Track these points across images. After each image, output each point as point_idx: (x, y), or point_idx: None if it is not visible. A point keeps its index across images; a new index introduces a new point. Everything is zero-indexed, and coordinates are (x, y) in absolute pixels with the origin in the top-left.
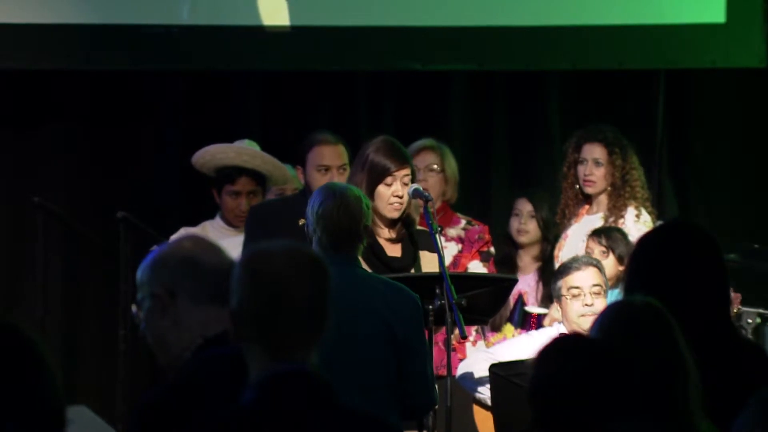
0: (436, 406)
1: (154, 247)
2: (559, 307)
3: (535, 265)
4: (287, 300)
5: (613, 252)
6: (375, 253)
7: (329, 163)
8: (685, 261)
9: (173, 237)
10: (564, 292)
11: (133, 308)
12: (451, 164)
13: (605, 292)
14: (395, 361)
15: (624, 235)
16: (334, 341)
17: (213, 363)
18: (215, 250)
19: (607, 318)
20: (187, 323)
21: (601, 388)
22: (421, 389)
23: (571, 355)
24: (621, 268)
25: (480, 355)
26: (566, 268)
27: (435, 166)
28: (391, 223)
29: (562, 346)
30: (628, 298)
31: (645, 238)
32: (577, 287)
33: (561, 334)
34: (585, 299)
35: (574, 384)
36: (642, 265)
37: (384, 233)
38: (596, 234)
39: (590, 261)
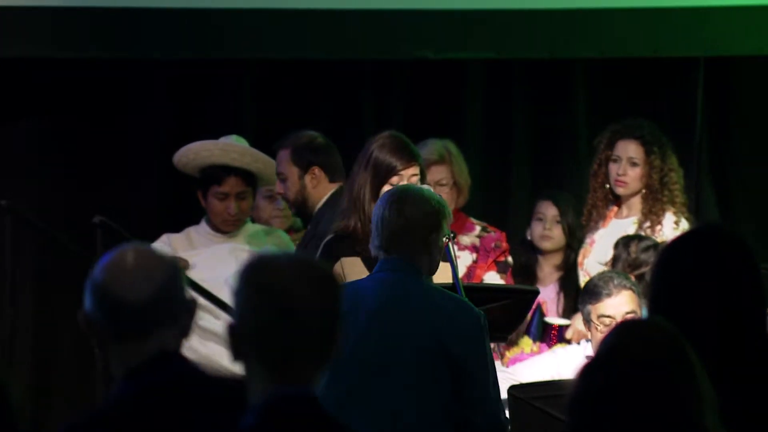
0: None
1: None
2: (586, 328)
3: (556, 275)
4: (294, 316)
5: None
6: None
7: None
8: (713, 272)
9: (155, 244)
10: (594, 318)
11: None
12: (462, 169)
13: None
14: (449, 382)
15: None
16: (378, 355)
17: (133, 396)
18: (145, 278)
19: (611, 340)
20: (110, 355)
21: (648, 406)
22: (484, 416)
23: (615, 370)
24: None
25: (498, 375)
26: (597, 293)
27: (445, 182)
28: None
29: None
30: (634, 320)
31: (669, 248)
32: (609, 316)
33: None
34: None
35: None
36: (666, 279)
37: None
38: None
39: (623, 284)
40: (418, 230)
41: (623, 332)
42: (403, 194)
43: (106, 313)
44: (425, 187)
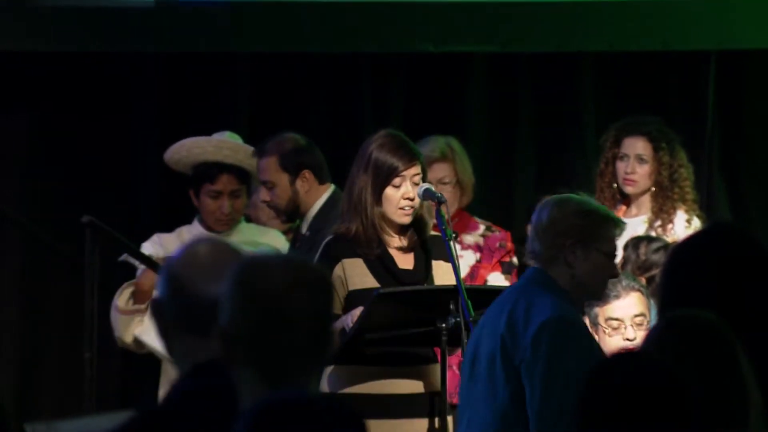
0: None
1: (125, 257)
2: (593, 332)
3: None
4: (285, 318)
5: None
6: (384, 264)
7: None
8: (717, 273)
9: (145, 244)
10: (601, 322)
11: None
12: (466, 167)
13: (649, 322)
14: (511, 389)
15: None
16: (471, 360)
17: (197, 394)
18: (220, 275)
19: (656, 337)
20: (174, 347)
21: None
22: (533, 429)
23: (633, 374)
24: None
25: None
26: (604, 295)
27: (448, 180)
28: (401, 230)
29: (624, 362)
30: (680, 313)
31: (677, 249)
32: (616, 319)
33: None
34: (626, 333)
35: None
36: (674, 280)
37: (394, 241)
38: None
39: (631, 285)
40: (552, 234)
41: (671, 330)
42: (557, 197)
43: (178, 306)
44: (586, 196)
